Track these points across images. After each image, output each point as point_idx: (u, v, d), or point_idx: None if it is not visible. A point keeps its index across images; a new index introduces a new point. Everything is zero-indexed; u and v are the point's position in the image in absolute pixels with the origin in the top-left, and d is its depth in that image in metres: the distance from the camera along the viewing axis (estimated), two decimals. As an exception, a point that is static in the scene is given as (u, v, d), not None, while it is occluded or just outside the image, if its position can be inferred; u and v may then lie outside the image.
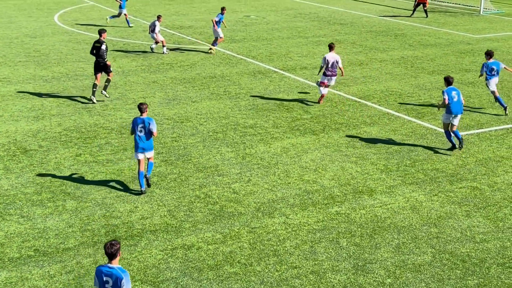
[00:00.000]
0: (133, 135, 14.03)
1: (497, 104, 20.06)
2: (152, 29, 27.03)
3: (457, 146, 16.75)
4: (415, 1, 38.49)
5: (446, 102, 16.26)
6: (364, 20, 36.52)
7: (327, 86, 20.42)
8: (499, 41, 31.35)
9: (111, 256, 8.37)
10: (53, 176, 14.83)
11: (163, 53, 27.26)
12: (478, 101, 21.14)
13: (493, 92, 19.50)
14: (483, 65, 19.38)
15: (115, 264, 8.44)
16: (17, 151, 16.30)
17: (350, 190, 14.34)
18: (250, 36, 31.46)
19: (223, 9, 27.48)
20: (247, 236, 12.28)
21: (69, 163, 15.56)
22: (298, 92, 21.79)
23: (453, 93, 16.41)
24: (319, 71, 21.00)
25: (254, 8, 40.47)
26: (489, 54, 19.34)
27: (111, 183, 14.48)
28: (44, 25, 33.58)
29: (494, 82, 19.34)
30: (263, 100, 20.92)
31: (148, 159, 14.13)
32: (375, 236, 12.31)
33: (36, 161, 15.68)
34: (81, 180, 14.62)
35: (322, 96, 20.54)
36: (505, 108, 19.58)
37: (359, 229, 12.60)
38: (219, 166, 15.57)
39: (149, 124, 13.74)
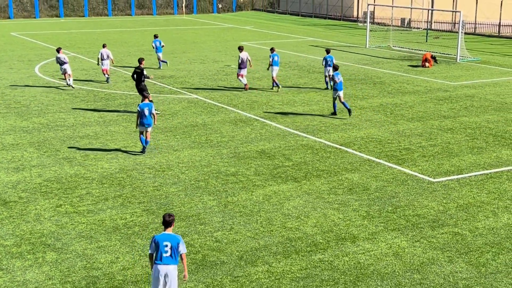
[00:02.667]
0: (138, 115, 19.78)
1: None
2: (107, 56, 31.35)
3: (348, 114, 24.99)
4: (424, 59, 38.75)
5: (337, 81, 24.42)
6: (343, 69, 37.02)
7: (242, 76, 29.75)
8: (476, 88, 31.89)
9: (169, 224, 10.59)
10: (33, 227, 14.66)
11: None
12: (457, 147, 21.38)
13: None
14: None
15: (170, 231, 10.61)
16: (-3, 202, 16.13)
17: (333, 237, 14.32)
18: (231, 85, 31.73)
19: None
20: (230, 285, 12.16)
21: (49, 214, 15.41)
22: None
23: (339, 76, 24.56)
24: (238, 67, 29.64)
25: (235, 58, 40.92)
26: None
27: (92, 234, 14.34)
28: (25, 77, 33.65)
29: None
30: (244, 148, 20.99)
31: (146, 133, 19.94)
32: (358, 284, 12.25)
33: (16, 212, 15.51)
34: (62, 231, 14.46)
35: (245, 85, 30.21)
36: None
37: (342, 276, 12.54)
38: (201, 214, 15.51)
39: (151, 107, 19.84)
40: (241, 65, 29.50)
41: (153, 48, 36.48)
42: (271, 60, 29.92)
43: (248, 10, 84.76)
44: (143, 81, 25.26)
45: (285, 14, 78.03)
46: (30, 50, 44.12)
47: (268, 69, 30.71)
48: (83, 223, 14.94)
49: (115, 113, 25.61)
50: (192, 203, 16.24)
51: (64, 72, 30.06)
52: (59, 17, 72.95)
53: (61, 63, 29.91)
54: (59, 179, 17.94)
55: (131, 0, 76.80)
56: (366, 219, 15.31)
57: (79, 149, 20.78)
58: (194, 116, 25.37)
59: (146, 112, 19.74)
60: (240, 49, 29.71)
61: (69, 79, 30.15)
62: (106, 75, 31.89)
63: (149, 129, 20.03)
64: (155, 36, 36.93)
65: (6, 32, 55.90)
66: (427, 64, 38.12)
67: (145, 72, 25.34)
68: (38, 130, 23.08)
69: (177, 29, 60.61)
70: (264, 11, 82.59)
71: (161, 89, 30.59)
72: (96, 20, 70.59)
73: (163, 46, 36.66)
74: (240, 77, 29.92)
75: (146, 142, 20.13)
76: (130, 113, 25.55)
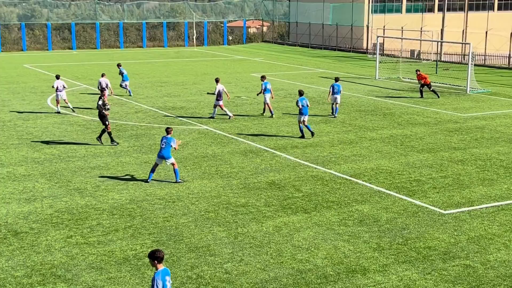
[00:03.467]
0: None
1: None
2: (105, 85, 33.16)
3: (311, 136, 27.01)
4: (419, 84, 38.53)
5: (300, 106, 26.63)
6: (352, 100, 37.16)
7: (216, 106, 30.81)
8: (486, 119, 31.88)
9: (163, 258, 10.54)
10: (44, 258, 14.69)
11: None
12: (468, 179, 21.32)
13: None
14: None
15: (162, 266, 10.58)
16: (8, 233, 16.20)
17: (343, 269, 14.25)
18: (241, 116, 31.87)
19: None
20: (240, 317, 12.09)
21: (60, 245, 15.44)
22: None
23: (304, 101, 26.87)
24: (216, 97, 30.76)
25: (245, 89, 41.18)
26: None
27: (102, 265, 14.34)
28: (37, 108, 33.97)
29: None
30: (254, 179, 21.02)
31: (173, 165, 20.49)
32: (369, 316, 12.15)
33: (27, 243, 15.56)
34: (72, 262, 14.48)
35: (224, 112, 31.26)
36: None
37: (353, 309, 12.44)
38: (211, 245, 15.49)
39: (171, 141, 20.25)
40: (218, 96, 30.54)
41: (121, 75, 38.13)
42: (263, 88, 31.44)
43: (258, 42, 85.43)
44: (103, 111, 26.01)
45: (295, 46, 78.60)
46: (43, 82, 44.57)
47: (258, 94, 32.95)
48: (94, 254, 14.96)
49: (126, 144, 25.75)
50: (202, 234, 16.24)
51: (58, 98, 32.09)
52: (72, 49, 73.79)
53: (58, 89, 31.87)
54: (70, 210, 18.01)
55: (142, 33, 77.64)
56: (377, 251, 15.24)
57: (90, 180, 20.88)
58: (204, 147, 25.48)
59: (163, 145, 20.18)
60: (217, 81, 30.88)
61: (67, 104, 32.46)
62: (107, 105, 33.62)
63: (168, 162, 20.36)
64: (119, 65, 38.62)
65: (19, 64, 56.56)
66: (422, 81, 37.95)
67: (100, 102, 26.02)
68: (49, 161, 23.23)
69: (188, 60, 61.13)
70: (274, 43, 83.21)
71: (171, 120, 30.76)
72: (108, 52, 71.36)
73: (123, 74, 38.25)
74: (219, 108, 30.98)
75: (175, 171, 20.54)
76: (141, 144, 25.69)
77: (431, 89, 38.15)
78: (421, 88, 38.26)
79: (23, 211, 17.83)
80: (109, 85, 33.69)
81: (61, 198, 19.03)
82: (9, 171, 21.80)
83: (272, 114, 31.82)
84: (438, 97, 37.90)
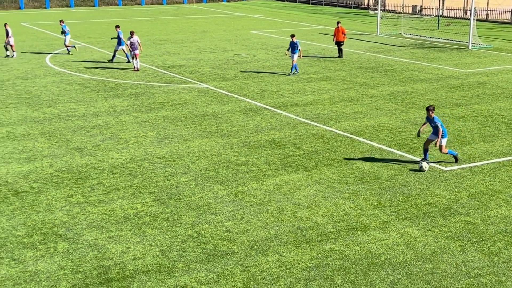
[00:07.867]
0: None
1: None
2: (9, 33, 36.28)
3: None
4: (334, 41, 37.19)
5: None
6: (353, 57, 36.84)
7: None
8: (488, 75, 31.64)
9: (433, 110, 10.95)
10: (45, 218, 14.71)
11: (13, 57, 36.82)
12: (469, 135, 21.24)
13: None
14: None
15: None
16: (8, 193, 16.19)
17: (344, 226, 14.27)
18: (241, 74, 31.65)
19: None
20: (240, 275, 12.15)
21: (60, 205, 15.45)
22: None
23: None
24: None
25: (245, 47, 40.82)
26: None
27: (103, 224, 14.36)
28: (36, 67, 33.72)
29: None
30: (255, 138, 20.94)
31: (440, 147, 17.81)
32: (369, 273, 12.21)
33: (28, 203, 15.56)
34: (73, 222, 14.50)
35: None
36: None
37: (353, 266, 12.50)
38: (212, 204, 15.50)
39: (438, 123, 17.51)
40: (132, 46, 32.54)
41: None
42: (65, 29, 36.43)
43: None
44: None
45: (295, 2, 77.68)
46: (41, 40, 44.16)
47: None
48: (94, 213, 14.97)
49: (125, 103, 25.61)
50: (202, 193, 16.24)
51: (8, 44, 36.46)
52: (70, 7, 72.99)
53: (7, 35, 36.38)
54: (70, 169, 17.98)
55: (141, -10, 76.69)
56: (377, 208, 15.24)
57: (90, 139, 20.81)
58: (204, 105, 25.34)
59: (435, 127, 17.69)
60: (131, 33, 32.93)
61: (13, 51, 36.89)
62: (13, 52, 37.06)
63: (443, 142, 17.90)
64: (117, 27, 35.69)
65: (17, 23, 55.97)
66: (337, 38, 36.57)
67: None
68: (49, 120, 23.13)
69: (187, 18, 60.49)
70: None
71: (171, 79, 30.56)
72: (106, 10, 70.60)
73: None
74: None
75: (451, 152, 18.20)
76: (140, 103, 25.55)
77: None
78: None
79: (23, 171, 17.80)
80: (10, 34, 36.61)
81: (61, 157, 18.99)
82: (8, 131, 21.72)
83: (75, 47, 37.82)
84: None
